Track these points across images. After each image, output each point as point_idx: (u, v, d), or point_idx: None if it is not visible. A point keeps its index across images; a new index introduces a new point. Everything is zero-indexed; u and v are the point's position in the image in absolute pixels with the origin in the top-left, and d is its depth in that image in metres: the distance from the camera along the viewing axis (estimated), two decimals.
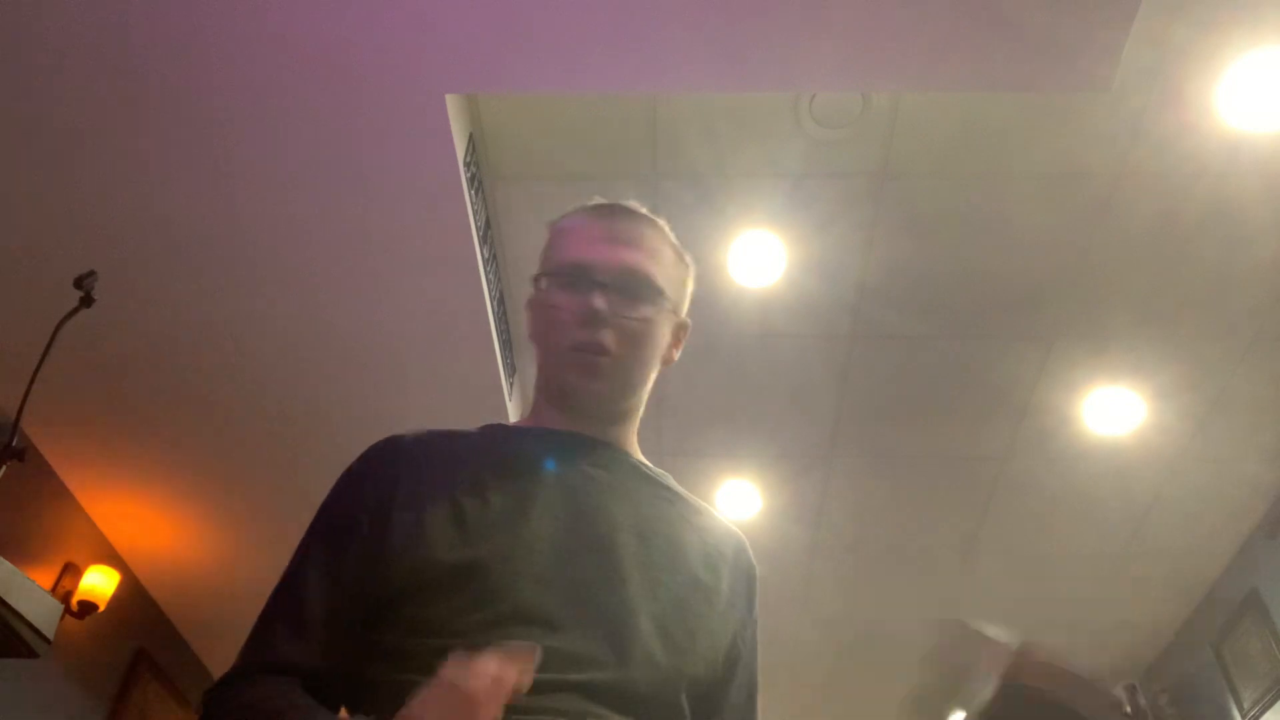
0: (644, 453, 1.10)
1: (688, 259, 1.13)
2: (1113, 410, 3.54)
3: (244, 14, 2.22)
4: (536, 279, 1.07)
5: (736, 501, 4.06)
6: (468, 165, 2.65)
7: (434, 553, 0.87)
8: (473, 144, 2.72)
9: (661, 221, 1.11)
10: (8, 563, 2.19)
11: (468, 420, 1.14)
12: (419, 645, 0.84)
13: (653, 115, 2.75)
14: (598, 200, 1.11)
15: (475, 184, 2.76)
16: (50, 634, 2.31)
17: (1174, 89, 2.63)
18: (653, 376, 1.07)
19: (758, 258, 3.10)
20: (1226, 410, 3.51)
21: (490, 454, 1.00)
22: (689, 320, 1.12)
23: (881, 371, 3.47)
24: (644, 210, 1.10)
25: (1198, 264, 3.05)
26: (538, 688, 0.78)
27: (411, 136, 2.47)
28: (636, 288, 1.02)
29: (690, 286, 1.13)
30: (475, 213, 2.75)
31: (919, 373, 3.47)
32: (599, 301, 0.99)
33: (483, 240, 2.84)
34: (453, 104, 2.47)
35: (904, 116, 2.74)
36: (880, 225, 3.02)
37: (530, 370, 1.20)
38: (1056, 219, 2.97)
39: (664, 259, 1.07)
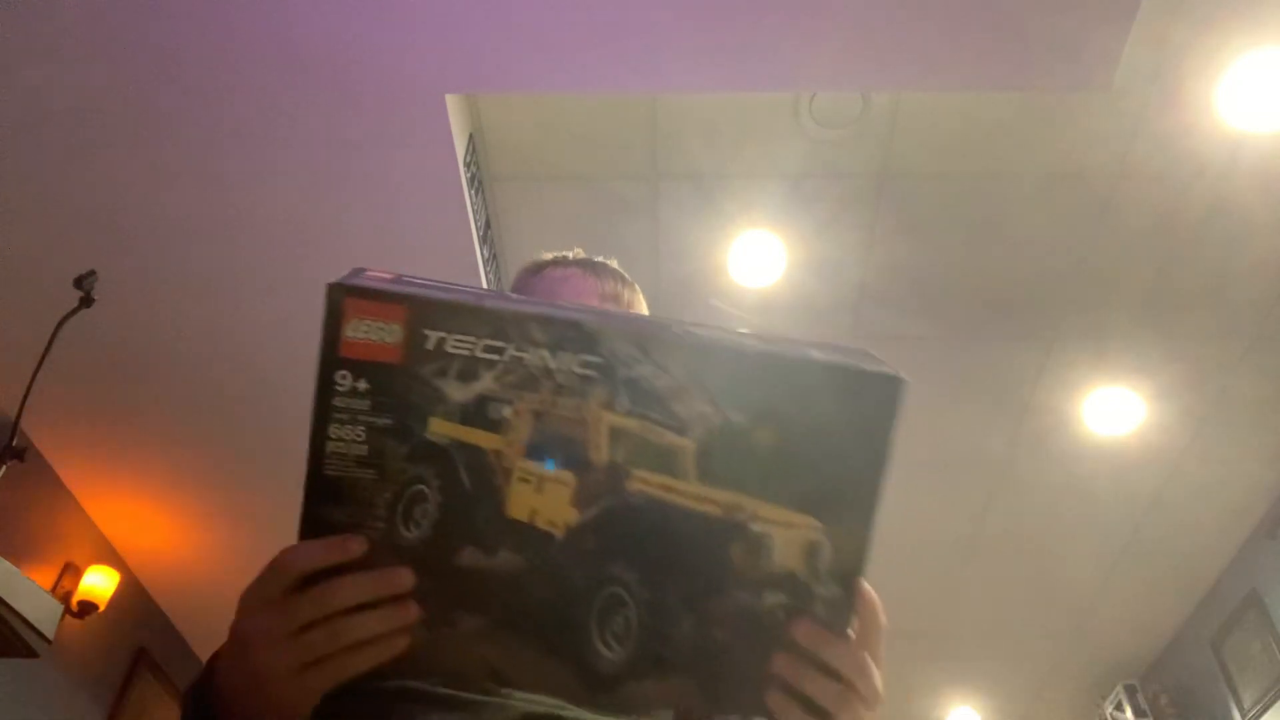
0: None
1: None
2: (1113, 410, 3.54)
3: (243, 14, 2.22)
4: None
5: None
6: (468, 165, 2.65)
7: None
8: (473, 144, 2.72)
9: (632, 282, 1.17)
10: (8, 563, 2.19)
11: None
12: None
13: (653, 115, 2.75)
14: (579, 253, 1.16)
15: (475, 184, 2.76)
16: (50, 634, 2.31)
17: (1174, 89, 2.63)
18: None
19: (758, 258, 3.10)
20: (1226, 410, 3.51)
21: None
22: None
23: None
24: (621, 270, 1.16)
25: (1198, 264, 3.05)
26: None
27: (411, 136, 2.47)
28: None
29: None
30: (475, 213, 2.75)
31: (919, 373, 3.42)
32: None
33: (483, 240, 2.84)
34: (453, 104, 2.47)
35: (904, 116, 2.74)
36: (880, 225, 3.02)
37: None
38: (1056, 219, 2.97)
39: None
